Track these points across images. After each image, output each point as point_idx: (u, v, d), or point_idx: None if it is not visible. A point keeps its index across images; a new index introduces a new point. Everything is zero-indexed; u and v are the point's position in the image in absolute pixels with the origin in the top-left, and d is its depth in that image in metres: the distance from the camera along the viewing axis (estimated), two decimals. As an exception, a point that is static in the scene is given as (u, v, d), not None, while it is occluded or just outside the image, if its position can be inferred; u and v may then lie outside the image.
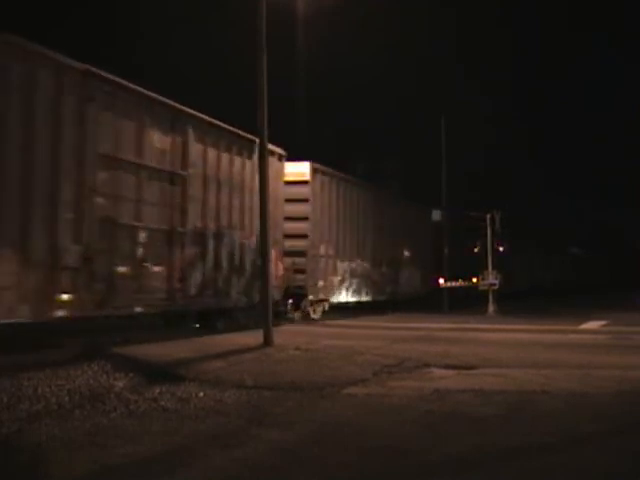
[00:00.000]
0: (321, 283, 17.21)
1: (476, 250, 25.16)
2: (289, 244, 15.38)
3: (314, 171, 16.98)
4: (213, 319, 13.02)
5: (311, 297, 16.69)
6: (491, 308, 22.29)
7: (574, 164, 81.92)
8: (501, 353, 10.18)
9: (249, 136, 13.48)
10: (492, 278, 23.33)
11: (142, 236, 10.62)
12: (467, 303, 23.75)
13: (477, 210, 25.06)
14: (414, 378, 7.94)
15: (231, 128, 13.18)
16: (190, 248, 11.82)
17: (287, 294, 15.53)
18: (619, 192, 76.02)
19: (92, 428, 5.42)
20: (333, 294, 17.96)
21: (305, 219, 16.50)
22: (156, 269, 10.91)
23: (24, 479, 4.44)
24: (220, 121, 13.01)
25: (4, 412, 5.83)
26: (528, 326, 15.50)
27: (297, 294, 16.18)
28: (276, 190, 14.26)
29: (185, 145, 11.82)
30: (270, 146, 13.81)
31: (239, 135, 13.45)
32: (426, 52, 54.59)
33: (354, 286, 19.15)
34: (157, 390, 6.90)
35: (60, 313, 8.99)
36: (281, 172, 14.99)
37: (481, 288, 23.62)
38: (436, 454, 4.79)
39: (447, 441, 5.12)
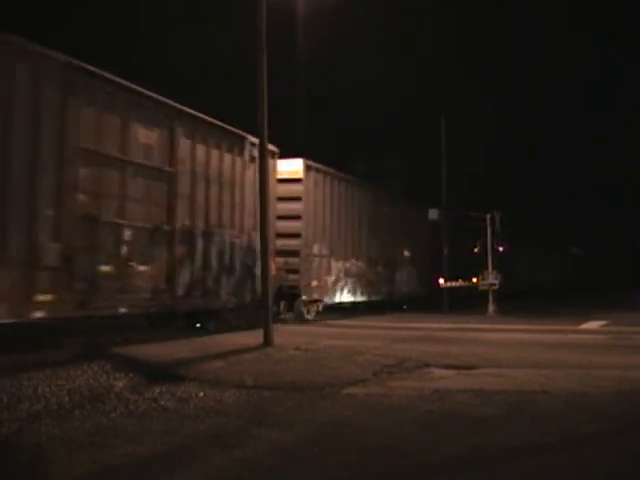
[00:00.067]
0: (315, 283, 16.93)
1: (476, 250, 25.15)
2: (282, 243, 15.07)
3: (307, 168, 16.68)
4: (202, 320, 12.79)
5: (304, 297, 16.41)
6: (491, 308, 22.30)
7: (574, 164, 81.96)
8: (501, 353, 10.18)
9: (239, 132, 13.32)
10: (492, 278, 23.33)
11: (127, 234, 10.30)
12: (467, 303, 23.74)
13: (477, 210, 25.05)
14: (414, 378, 7.94)
15: (221, 124, 12.90)
16: (178, 247, 11.54)
17: (280, 294, 15.22)
18: (619, 192, 76.09)
19: (92, 428, 5.42)
20: (327, 294, 17.68)
21: (298, 217, 16.20)
22: (141, 268, 10.60)
23: (24, 479, 4.44)
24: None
25: (4, 412, 5.83)
26: (528, 326, 15.50)
27: (290, 294, 15.92)
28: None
29: (173, 141, 11.52)
30: None
31: (229, 131, 13.19)
32: (426, 52, 54.66)
33: (349, 286, 18.87)
34: (157, 390, 6.90)
35: (39, 314, 8.68)
36: (273, 169, 14.62)
37: (481, 288, 23.62)
38: (436, 454, 4.79)
39: (447, 441, 5.12)
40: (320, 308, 17.31)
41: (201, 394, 6.78)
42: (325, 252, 17.47)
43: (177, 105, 11.65)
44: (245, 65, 18.36)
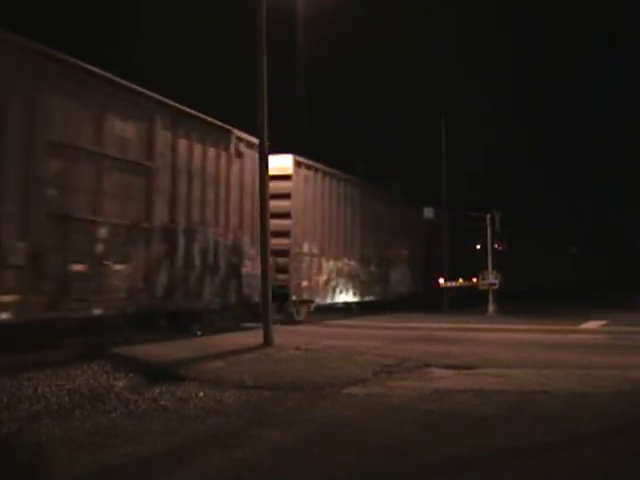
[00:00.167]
0: (305, 283, 16.44)
1: (478, 247, 25.13)
2: (270, 242, 14.80)
3: (297, 164, 16.12)
4: (185, 321, 12.24)
5: (294, 298, 15.98)
6: (491, 308, 22.30)
7: (574, 164, 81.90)
8: (501, 353, 10.18)
9: (225, 126, 12.89)
10: (492, 278, 23.34)
11: (101, 232, 9.78)
12: (467, 303, 23.74)
13: (477, 210, 25.05)
14: (414, 378, 7.94)
15: (204, 117, 12.39)
16: (157, 245, 11.01)
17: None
18: (619, 192, 75.98)
19: (92, 428, 5.42)
20: (318, 295, 17.19)
21: (287, 215, 15.57)
22: (117, 268, 10.06)
23: (24, 479, 4.44)
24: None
25: (4, 412, 5.83)
26: (528, 326, 15.50)
27: (279, 295, 15.15)
28: (254, 184, 13.32)
29: (152, 133, 10.96)
30: (248, 137, 13.48)
31: (214, 125, 12.67)
32: (426, 52, 54.59)
33: (341, 286, 18.37)
34: (157, 390, 6.90)
35: (4, 315, 8.22)
36: None
37: (481, 288, 23.62)
38: (436, 454, 4.79)
39: (447, 441, 5.12)
40: (312, 309, 16.91)
41: (201, 394, 6.78)
42: (316, 251, 16.98)
43: (157, 96, 11.12)
44: (245, 65, 18.32)
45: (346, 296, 18.92)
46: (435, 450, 4.88)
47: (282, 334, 11.30)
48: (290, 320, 15.48)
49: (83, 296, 9.39)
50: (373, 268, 20.76)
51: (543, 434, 5.28)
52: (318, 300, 17.24)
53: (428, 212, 26.59)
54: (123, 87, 10.36)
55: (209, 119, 12.51)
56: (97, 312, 9.70)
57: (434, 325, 15.91)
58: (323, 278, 17.46)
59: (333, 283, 18.01)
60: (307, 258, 16.59)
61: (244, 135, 13.52)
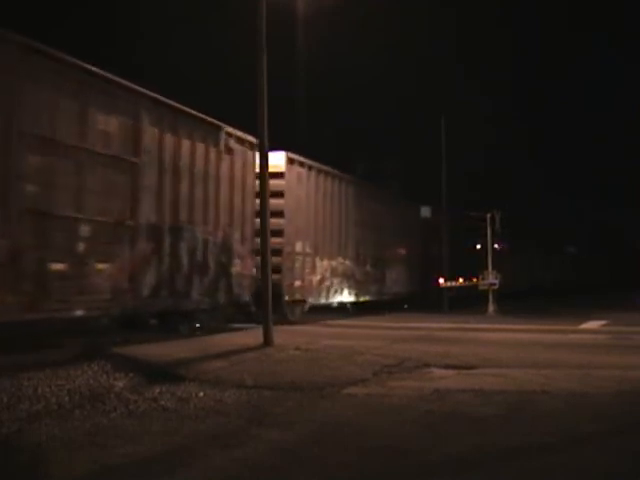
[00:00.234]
0: (298, 283, 16.13)
1: (478, 247, 25.11)
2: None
3: (290, 161, 15.74)
4: (173, 322, 11.91)
5: (287, 298, 15.72)
6: (491, 308, 22.30)
7: (574, 164, 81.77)
8: (501, 353, 10.18)
9: (214, 121, 12.56)
10: (492, 278, 23.33)
11: (84, 230, 9.41)
12: (467, 303, 23.74)
13: (477, 210, 25.04)
14: (414, 378, 7.95)
15: (193, 112, 12.03)
16: (143, 244, 10.65)
17: (260, 295, 14.71)
18: (619, 192, 75.84)
19: (92, 428, 5.42)
20: (312, 295, 16.89)
21: (280, 214, 14.99)
22: (101, 267, 9.72)
23: (24, 479, 4.44)
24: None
25: (4, 412, 5.83)
26: (528, 326, 15.50)
27: (272, 294, 15.26)
28: (246, 182, 13.46)
29: (137, 128, 10.60)
30: (238, 133, 13.28)
31: (203, 120, 12.30)
32: (426, 52, 54.44)
33: (335, 286, 18.07)
34: (157, 390, 6.90)
35: None
36: (252, 163, 13.73)
37: (481, 288, 23.61)
38: (436, 454, 4.79)
39: (447, 441, 5.12)
40: (306, 309, 16.67)
41: (201, 394, 6.78)
42: (309, 250, 16.69)
43: (143, 90, 10.77)
44: (245, 65, 18.33)
45: (341, 296, 18.66)
46: (435, 450, 4.88)
47: (282, 334, 11.30)
48: (283, 320, 15.14)
49: (64, 296, 9.04)
50: (369, 268, 20.49)
51: (543, 434, 5.28)
52: (312, 300, 16.98)
53: (425, 211, 26.46)
54: (108, 80, 10.02)
55: (198, 114, 12.18)
56: (79, 313, 9.35)
57: (434, 325, 15.92)
58: (317, 278, 17.18)
59: (327, 283, 17.75)
60: (300, 257, 16.31)
61: (234, 131, 13.24)
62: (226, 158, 12.99)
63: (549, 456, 4.73)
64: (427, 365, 8.76)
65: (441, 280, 24.65)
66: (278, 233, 15.02)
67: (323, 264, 17.50)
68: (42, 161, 8.87)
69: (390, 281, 22.24)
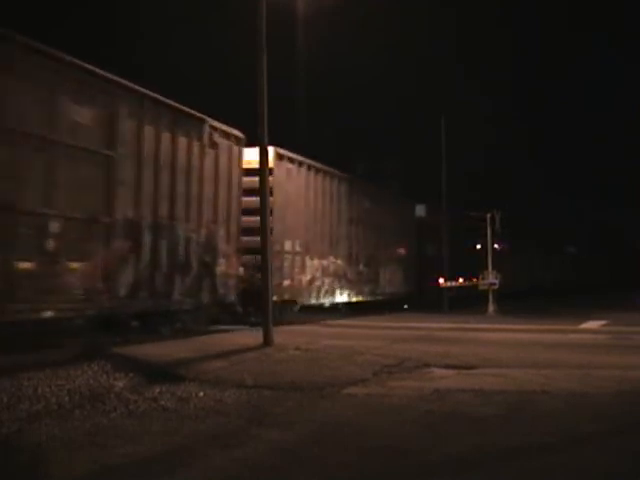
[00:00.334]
0: (287, 282, 15.61)
1: (478, 247, 25.09)
2: (250, 240, 13.45)
3: (279, 157, 15.15)
4: (154, 323, 11.42)
5: (275, 298, 14.96)
6: (491, 308, 22.29)
7: (574, 164, 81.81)
8: (501, 353, 10.18)
9: (197, 114, 12.11)
10: (492, 278, 23.33)
11: (54, 226, 8.87)
12: (467, 303, 23.73)
13: (477, 210, 25.04)
14: (414, 378, 7.94)
15: (175, 104, 11.53)
16: (119, 241, 10.14)
17: (247, 295, 13.87)
18: (619, 192, 75.89)
19: (92, 428, 5.42)
20: (301, 295, 16.42)
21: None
22: (74, 265, 9.22)
23: (24, 479, 4.44)
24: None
25: (4, 412, 5.83)
26: (528, 326, 15.50)
27: (259, 294, 14.36)
28: (231, 178, 13.05)
29: (113, 120, 10.08)
30: (224, 127, 12.93)
31: (185, 113, 11.78)
32: (426, 52, 54.48)
33: (326, 286, 17.57)
34: (157, 390, 6.90)
35: None
36: (239, 158, 13.33)
37: (481, 288, 23.61)
38: (436, 454, 4.79)
39: (447, 441, 5.12)
40: (296, 309, 16.30)
41: (201, 394, 6.78)
42: (299, 249, 16.22)
43: (120, 80, 10.29)
44: (245, 65, 18.32)
45: (332, 296, 18.20)
46: (435, 450, 4.88)
47: (282, 334, 11.31)
48: (276, 321, 15.01)
49: (32, 297, 8.54)
50: (362, 267, 20.01)
51: (543, 434, 5.28)
52: (302, 300, 16.55)
53: (420, 210, 26.12)
54: (82, 68, 9.50)
55: (180, 106, 11.70)
56: (49, 314, 8.87)
57: (434, 325, 15.91)
58: (307, 277, 16.72)
59: (318, 283, 17.29)
60: (289, 256, 15.85)
61: (219, 125, 12.83)
62: (210, 152, 12.50)
63: (549, 456, 4.73)
64: (427, 365, 8.76)
65: (441, 280, 24.62)
66: None
67: (314, 263, 17.06)
68: (7, 153, 8.38)
69: (384, 281, 21.81)
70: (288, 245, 15.84)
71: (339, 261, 18.57)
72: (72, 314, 9.53)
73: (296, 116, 34.66)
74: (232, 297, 13.17)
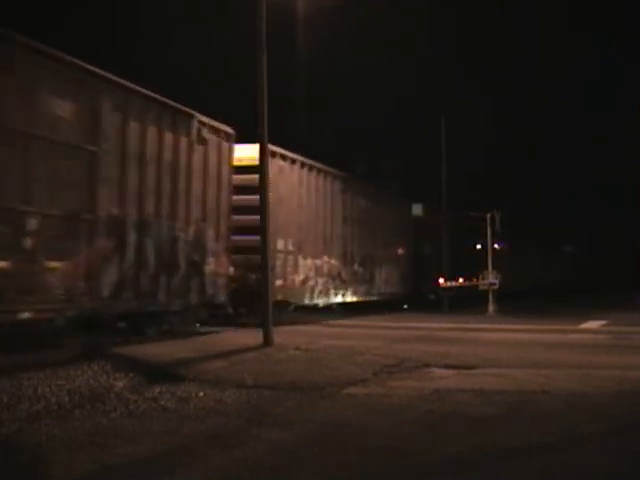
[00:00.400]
0: (279, 282, 15.09)
1: (478, 247, 25.08)
2: (241, 239, 13.36)
3: (271, 154, 14.76)
4: (140, 324, 11.12)
5: None
6: (491, 308, 22.28)
7: (574, 164, 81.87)
8: (501, 353, 10.18)
9: (184, 109, 11.77)
10: (492, 278, 23.33)
11: (32, 223, 8.51)
12: (467, 303, 23.72)
13: (477, 210, 25.04)
14: (414, 378, 7.95)
15: (161, 98, 11.18)
16: (102, 239, 9.77)
17: (238, 295, 13.71)
18: (619, 192, 75.92)
19: (92, 428, 5.42)
20: (294, 295, 16.02)
21: (259, 210, 14.22)
22: (53, 264, 8.84)
23: (24, 479, 4.44)
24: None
25: (4, 412, 5.83)
26: (528, 326, 15.50)
27: (251, 295, 13.74)
28: (221, 175, 12.71)
29: (96, 114, 9.71)
30: (213, 122, 12.62)
31: (172, 107, 11.43)
32: (426, 52, 54.50)
33: (320, 286, 17.17)
34: (157, 390, 6.91)
35: None
36: (228, 155, 13.00)
37: (481, 288, 23.61)
38: (436, 454, 4.79)
39: (447, 441, 5.12)
40: (289, 310, 15.96)
41: (201, 394, 6.78)
42: (292, 248, 15.82)
43: (104, 73, 9.93)
44: (245, 65, 18.32)
45: (326, 297, 17.71)
46: (435, 450, 4.88)
47: (282, 334, 11.31)
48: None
49: (7, 297, 8.21)
50: (356, 267, 19.61)
51: (543, 434, 5.28)
52: (295, 301, 16.21)
53: (416, 208, 25.80)
54: (61, 60, 9.12)
55: (166, 101, 11.35)
56: (25, 316, 8.46)
57: (434, 325, 15.91)
58: (300, 277, 16.33)
59: (311, 283, 16.87)
60: (282, 256, 15.43)
61: (208, 120, 12.46)
62: (199, 148, 12.12)
63: (549, 456, 4.74)
64: (427, 365, 8.76)
65: (441, 280, 24.59)
66: (257, 230, 14.00)
67: (307, 263, 16.69)
68: None
69: (380, 281, 21.45)
70: (280, 244, 15.39)
71: (333, 261, 18.22)
72: (52, 315, 9.16)
73: (296, 116, 34.68)
74: (222, 297, 12.84)
